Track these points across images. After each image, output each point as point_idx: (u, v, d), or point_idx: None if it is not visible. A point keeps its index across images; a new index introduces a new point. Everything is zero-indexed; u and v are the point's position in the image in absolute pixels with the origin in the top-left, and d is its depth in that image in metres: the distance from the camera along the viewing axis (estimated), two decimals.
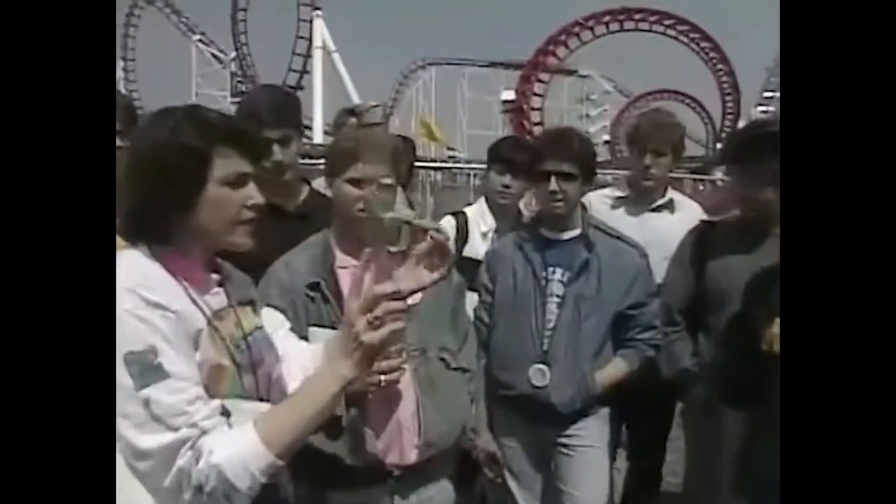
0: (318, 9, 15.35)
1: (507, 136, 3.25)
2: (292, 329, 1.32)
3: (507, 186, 2.57)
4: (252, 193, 1.06)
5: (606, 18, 19.72)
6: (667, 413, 2.59)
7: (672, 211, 2.66)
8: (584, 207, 2.23)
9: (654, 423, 2.59)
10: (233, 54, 26.93)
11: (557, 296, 2.14)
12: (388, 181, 1.66)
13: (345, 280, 1.67)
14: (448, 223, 2.66)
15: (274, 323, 1.25)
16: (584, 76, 26.47)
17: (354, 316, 0.98)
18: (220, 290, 1.11)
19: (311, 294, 1.65)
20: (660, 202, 2.65)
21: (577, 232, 2.17)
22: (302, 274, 1.65)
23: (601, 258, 2.12)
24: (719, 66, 15.88)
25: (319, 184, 1.99)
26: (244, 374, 1.05)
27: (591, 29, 20.04)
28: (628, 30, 19.49)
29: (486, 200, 2.71)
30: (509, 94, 22.35)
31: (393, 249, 1.04)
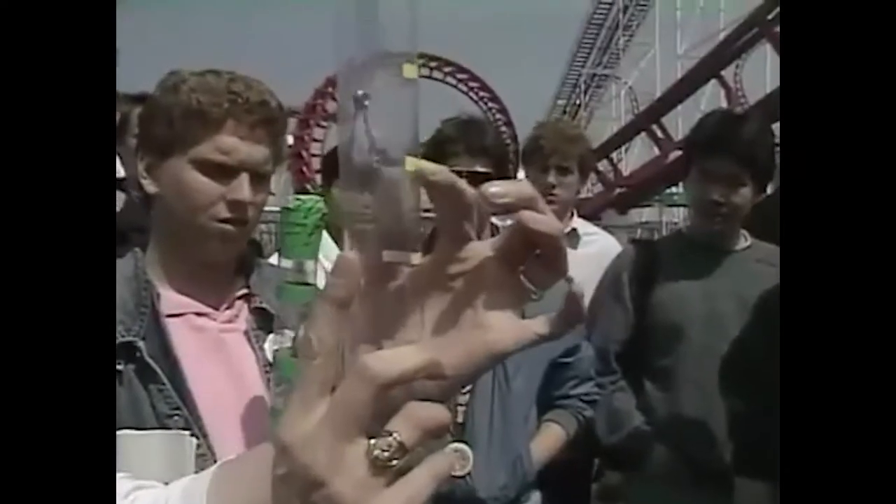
0: None
1: None
2: None
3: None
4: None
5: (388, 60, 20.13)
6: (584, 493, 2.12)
7: (575, 245, 2.25)
8: (493, 225, 1.74)
9: None
10: None
11: None
12: (266, 168, 1.03)
13: (182, 339, 0.99)
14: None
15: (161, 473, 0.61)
16: None
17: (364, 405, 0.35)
18: None
19: (117, 366, 0.94)
20: None
21: None
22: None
23: None
24: (491, 105, 16.93)
25: None
26: None
27: None
28: None
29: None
30: (287, 141, 21.75)
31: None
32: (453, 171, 1.52)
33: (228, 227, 0.98)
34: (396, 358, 0.36)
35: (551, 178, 2.15)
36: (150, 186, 1.01)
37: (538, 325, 0.42)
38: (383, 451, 0.35)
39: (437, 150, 1.61)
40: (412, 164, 0.39)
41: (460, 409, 1.57)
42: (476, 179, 1.57)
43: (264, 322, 1.05)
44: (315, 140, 20.63)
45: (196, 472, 0.48)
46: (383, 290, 0.40)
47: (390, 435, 0.35)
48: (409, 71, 0.39)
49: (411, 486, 0.35)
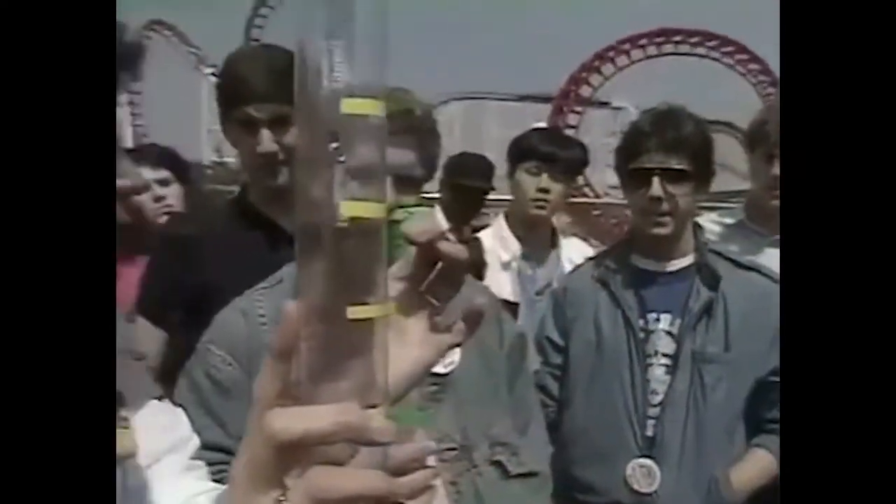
0: None
1: (541, 127, 2.68)
2: (208, 447, 0.72)
3: (544, 190, 2.02)
4: None
5: (643, 41, 19.16)
6: None
7: None
8: (697, 226, 1.60)
9: None
10: None
11: (665, 355, 1.50)
12: (414, 172, 1.05)
13: None
14: None
15: (161, 441, 0.66)
16: (618, 108, 25.93)
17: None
18: None
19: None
20: None
21: (688, 261, 1.55)
22: (273, 329, 1.04)
23: (728, 299, 1.49)
24: (768, 90, 15.25)
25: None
26: None
27: (627, 53, 19.47)
28: (667, 54, 18.94)
29: (506, 219, 2.15)
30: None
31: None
32: (643, 168, 1.44)
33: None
34: (304, 416, 0.35)
35: (776, 170, 1.87)
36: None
37: (448, 336, 0.48)
38: None
39: (629, 146, 1.53)
40: (348, 208, 0.37)
41: (650, 421, 1.48)
42: (670, 177, 1.46)
43: None
44: (569, 126, 20.57)
45: None
46: (337, 332, 0.38)
47: (283, 499, 0.34)
48: (366, 107, 0.37)
49: None
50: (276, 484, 0.35)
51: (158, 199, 2.05)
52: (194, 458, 0.72)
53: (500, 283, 2.04)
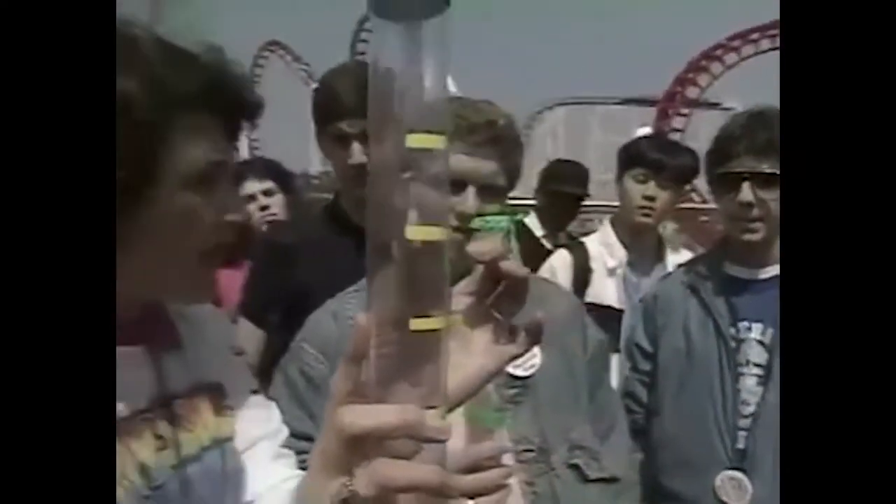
0: None
1: (648, 135, 2.65)
2: (299, 436, 0.78)
3: (650, 198, 1.99)
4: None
5: (755, 36, 18.18)
6: None
7: None
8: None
9: None
10: None
11: (757, 365, 1.46)
12: (496, 182, 1.08)
13: None
14: (561, 259, 2.07)
15: (256, 430, 0.72)
16: (728, 109, 24.89)
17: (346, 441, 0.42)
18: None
19: None
20: None
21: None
22: None
23: None
24: None
25: None
26: None
27: (737, 50, 18.55)
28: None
29: (613, 226, 2.12)
30: (645, 131, 21.43)
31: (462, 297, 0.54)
32: (733, 173, 1.42)
33: (456, 235, 1.07)
34: (369, 413, 0.39)
35: None
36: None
37: (511, 346, 0.51)
38: (338, 494, 0.39)
39: (719, 150, 1.50)
40: (413, 232, 0.41)
41: (741, 433, 1.44)
42: (761, 181, 1.42)
43: None
44: (675, 129, 19.85)
45: None
46: (404, 341, 0.42)
47: (350, 484, 0.39)
48: (430, 142, 0.40)
49: None
50: (345, 472, 0.40)
51: (263, 208, 2.19)
52: (284, 446, 0.79)
53: (606, 289, 2.05)
